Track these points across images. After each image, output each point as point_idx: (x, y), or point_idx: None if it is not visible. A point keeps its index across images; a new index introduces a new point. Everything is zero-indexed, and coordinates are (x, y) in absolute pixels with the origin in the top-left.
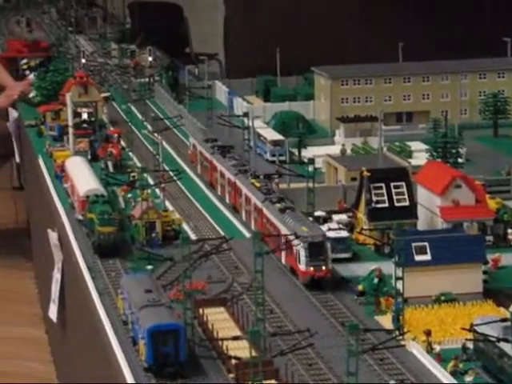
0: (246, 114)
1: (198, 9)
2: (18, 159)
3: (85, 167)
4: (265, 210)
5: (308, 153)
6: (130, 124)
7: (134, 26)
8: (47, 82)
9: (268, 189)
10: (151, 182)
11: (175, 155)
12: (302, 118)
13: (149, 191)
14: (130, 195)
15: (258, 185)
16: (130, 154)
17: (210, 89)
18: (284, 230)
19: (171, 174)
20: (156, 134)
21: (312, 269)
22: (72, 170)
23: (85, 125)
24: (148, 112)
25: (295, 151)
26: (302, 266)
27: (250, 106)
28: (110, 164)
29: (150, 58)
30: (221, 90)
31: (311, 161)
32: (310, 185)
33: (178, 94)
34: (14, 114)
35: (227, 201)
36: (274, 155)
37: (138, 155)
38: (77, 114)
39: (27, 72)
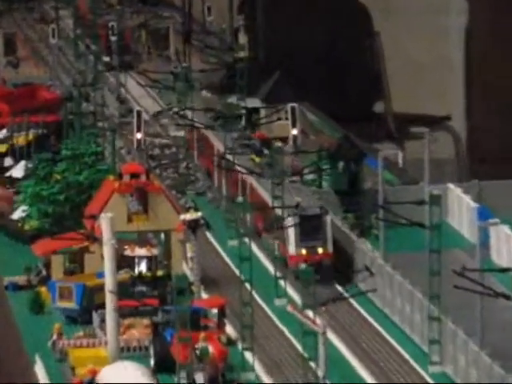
0: None
1: (402, 14)
2: None
3: None
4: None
5: None
6: (251, 291)
7: (255, 51)
8: (55, 187)
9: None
10: None
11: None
12: None
13: None
14: None
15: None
16: (249, 355)
17: (438, 203)
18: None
19: None
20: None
21: (304, 252)
22: None
23: (142, 287)
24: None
25: None
26: (290, 249)
27: None
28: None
29: (296, 130)
30: (460, 205)
31: None
32: None
33: (361, 214)
34: None
35: None
36: None
37: (265, 357)
38: (124, 261)
39: (7, 160)
